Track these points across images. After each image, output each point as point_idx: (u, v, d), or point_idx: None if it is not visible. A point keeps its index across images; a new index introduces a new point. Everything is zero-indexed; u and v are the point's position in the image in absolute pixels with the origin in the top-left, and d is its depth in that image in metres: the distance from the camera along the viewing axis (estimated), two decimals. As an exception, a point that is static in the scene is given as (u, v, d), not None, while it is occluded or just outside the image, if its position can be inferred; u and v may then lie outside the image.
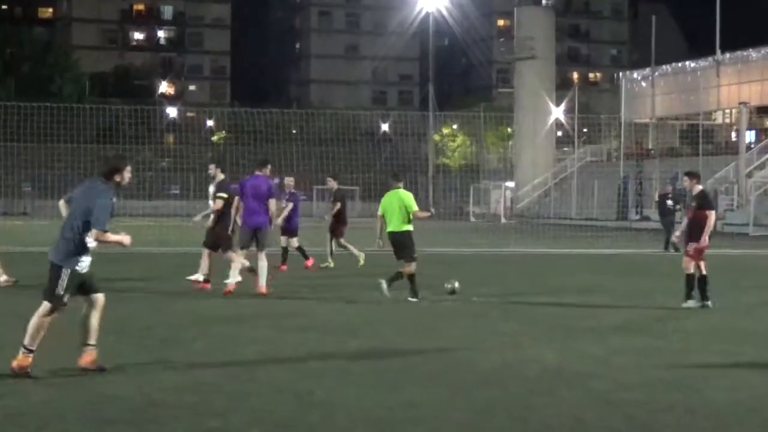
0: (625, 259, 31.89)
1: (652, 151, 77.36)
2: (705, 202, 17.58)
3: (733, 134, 78.04)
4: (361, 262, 25.09)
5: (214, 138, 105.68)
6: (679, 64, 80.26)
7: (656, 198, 40.71)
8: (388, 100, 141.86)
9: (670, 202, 35.85)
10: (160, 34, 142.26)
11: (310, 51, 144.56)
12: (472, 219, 72.76)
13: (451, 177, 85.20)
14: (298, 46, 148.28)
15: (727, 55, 73.49)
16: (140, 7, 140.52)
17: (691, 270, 17.38)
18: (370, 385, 10.13)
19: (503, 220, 71.35)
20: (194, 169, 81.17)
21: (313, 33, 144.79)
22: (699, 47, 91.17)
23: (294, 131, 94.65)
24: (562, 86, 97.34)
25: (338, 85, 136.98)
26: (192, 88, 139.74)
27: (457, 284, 18.40)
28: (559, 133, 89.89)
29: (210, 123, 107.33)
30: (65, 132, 74.00)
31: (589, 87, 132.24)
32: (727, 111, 79.56)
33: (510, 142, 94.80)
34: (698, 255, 17.35)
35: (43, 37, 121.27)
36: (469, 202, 79.13)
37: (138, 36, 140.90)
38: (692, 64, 78.78)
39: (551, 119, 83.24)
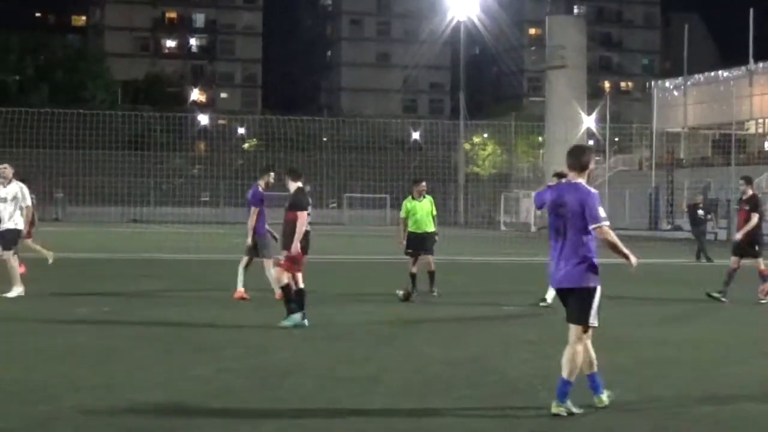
0: (657, 269, 31.74)
1: (684, 161, 76.98)
2: (295, 201, 15.18)
3: (766, 144, 77.59)
4: (50, 260, 24.33)
5: (245, 145, 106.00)
6: (712, 74, 79.94)
7: (684, 208, 40.52)
8: (419, 108, 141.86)
9: (701, 212, 35.69)
10: (192, 41, 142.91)
11: (341, 59, 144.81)
12: (502, 228, 72.59)
13: (482, 185, 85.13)
14: (329, 54, 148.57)
15: (761, 64, 73.14)
16: (172, 15, 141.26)
17: (285, 281, 15.05)
18: (398, 394, 10.14)
19: (533, 229, 71.13)
20: (225, 177, 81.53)
21: (344, 41, 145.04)
22: (732, 56, 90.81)
23: (324, 139, 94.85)
24: (594, 95, 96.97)
25: (369, 93, 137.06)
26: (223, 95, 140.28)
27: (402, 291, 18.90)
28: (591, 142, 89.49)
29: (241, 130, 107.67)
30: (97, 139, 74.40)
31: (621, 96, 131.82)
32: (760, 120, 79.10)
33: (541, 151, 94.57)
34: (291, 265, 15.05)
35: (76, 44, 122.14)
36: (500, 211, 79.00)
37: (170, 44, 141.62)
38: (725, 74, 78.45)
39: (582, 128, 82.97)
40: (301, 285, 15.10)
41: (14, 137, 70.30)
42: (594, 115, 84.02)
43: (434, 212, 20.30)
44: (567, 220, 9.35)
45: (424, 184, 20.55)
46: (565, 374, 9.31)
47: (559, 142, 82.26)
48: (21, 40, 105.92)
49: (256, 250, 18.48)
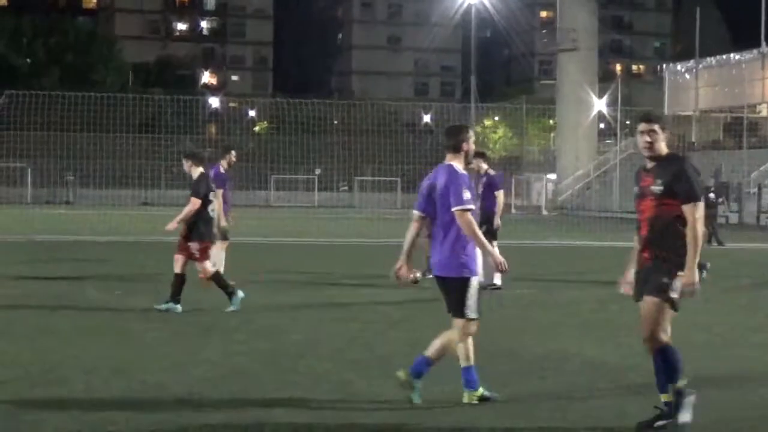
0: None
1: (695, 144, 76.79)
2: (194, 188, 15.12)
3: (778, 127, 77.31)
4: None
5: (256, 128, 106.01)
6: (724, 57, 79.56)
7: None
8: (430, 91, 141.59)
9: (712, 196, 35.56)
10: (203, 24, 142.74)
11: (352, 42, 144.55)
12: (513, 211, 72.55)
13: (493, 168, 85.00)
14: (340, 36, 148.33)
15: (773, 47, 72.82)
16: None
17: (179, 269, 14.88)
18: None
19: (544, 213, 71.11)
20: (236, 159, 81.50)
21: (355, 24, 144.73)
22: (744, 39, 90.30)
23: (335, 122, 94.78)
24: (605, 78, 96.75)
25: (380, 76, 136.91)
26: (234, 78, 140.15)
27: (419, 274, 18.70)
28: (602, 126, 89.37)
29: (252, 113, 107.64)
30: (108, 122, 74.50)
31: (632, 79, 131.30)
32: (772, 104, 78.78)
33: (552, 134, 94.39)
34: (186, 252, 14.98)
35: (86, 27, 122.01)
36: (510, 194, 78.91)
37: (181, 26, 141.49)
38: (737, 57, 78.07)
39: (594, 111, 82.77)
40: (178, 271, 14.84)
41: (25, 120, 70.42)
42: (605, 99, 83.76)
43: None
44: (437, 204, 8.87)
45: None
46: (462, 363, 9.13)
47: (570, 125, 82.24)
48: (32, 23, 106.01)
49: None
